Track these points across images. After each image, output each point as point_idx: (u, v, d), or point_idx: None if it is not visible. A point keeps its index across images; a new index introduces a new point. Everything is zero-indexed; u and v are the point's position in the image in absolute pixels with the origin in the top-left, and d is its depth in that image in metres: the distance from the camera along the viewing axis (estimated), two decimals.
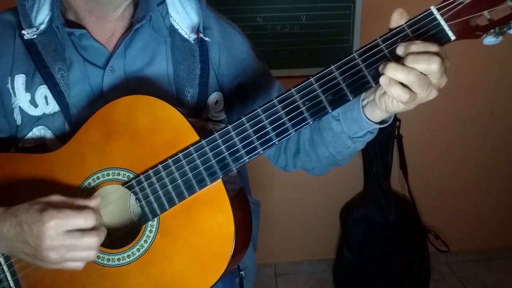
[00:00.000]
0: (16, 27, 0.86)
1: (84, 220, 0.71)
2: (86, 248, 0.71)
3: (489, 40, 0.64)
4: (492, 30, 0.63)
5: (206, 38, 0.89)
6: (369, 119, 0.75)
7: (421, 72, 0.63)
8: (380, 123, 0.76)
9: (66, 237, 0.70)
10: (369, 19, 2.02)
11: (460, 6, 0.63)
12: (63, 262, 0.72)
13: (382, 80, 0.65)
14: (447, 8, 0.64)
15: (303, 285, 2.39)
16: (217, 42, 0.91)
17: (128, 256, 0.78)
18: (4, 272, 0.83)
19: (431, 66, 0.62)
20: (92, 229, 0.72)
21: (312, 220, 2.37)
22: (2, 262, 0.82)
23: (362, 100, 0.75)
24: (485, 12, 0.63)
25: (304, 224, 2.38)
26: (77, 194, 0.80)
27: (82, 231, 0.71)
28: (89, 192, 0.80)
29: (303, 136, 0.89)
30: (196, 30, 0.88)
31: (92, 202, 0.75)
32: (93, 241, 0.71)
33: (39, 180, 0.82)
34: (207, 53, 0.89)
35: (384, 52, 0.67)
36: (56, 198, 0.73)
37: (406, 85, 0.64)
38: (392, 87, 0.64)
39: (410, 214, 2.28)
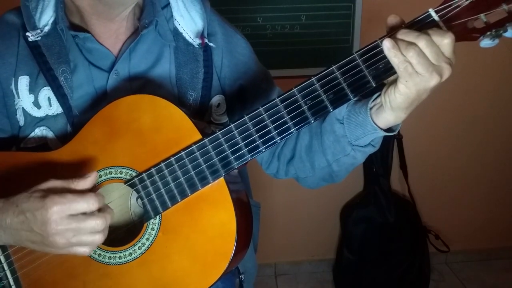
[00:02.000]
0: (20, 28, 0.86)
1: (87, 204, 0.71)
2: (92, 231, 0.71)
3: (486, 42, 0.65)
4: (488, 33, 0.64)
5: (211, 44, 0.90)
6: (375, 124, 0.74)
7: (420, 50, 0.64)
8: (387, 131, 0.75)
9: (70, 220, 0.70)
10: (369, 19, 2.02)
11: (458, 9, 0.64)
12: (70, 247, 0.72)
13: (386, 43, 0.65)
14: (445, 11, 0.65)
15: (303, 285, 2.39)
16: (221, 45, 0.91)
17: (130, 254, 0.78)
18: (4, 270, 0.82)
19: (419, 41, 0.63)
20: (99, 211, 0.72)
21: (312, 220, 2.38)
22: (2, 260, 0.82)
23: (371, 108, 0.75)
24: (482, 15, 0.64)
25: (304, 224, 2.38)
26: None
27: (87, 214, 0.71)
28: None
29: (300, 142, 0.88)
30: (201, 35, 0.89)
31: (88, 180, 0.74)
32: (98, 222, 0.71)
33: (41, 178, 0.81)
34: (211, 58, 0.90)
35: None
36: (53, 183, 0.73)
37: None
38: (394, 52, 0.65)
39: (410, 214, 2.28)
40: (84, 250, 0.73)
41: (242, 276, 0.97)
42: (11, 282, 0.82)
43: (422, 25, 0.66)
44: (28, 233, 0.72)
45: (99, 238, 0.72)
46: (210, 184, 0.75)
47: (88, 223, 0.70)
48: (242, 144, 0.74)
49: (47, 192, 0.71)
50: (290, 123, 0.72)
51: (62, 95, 0.84)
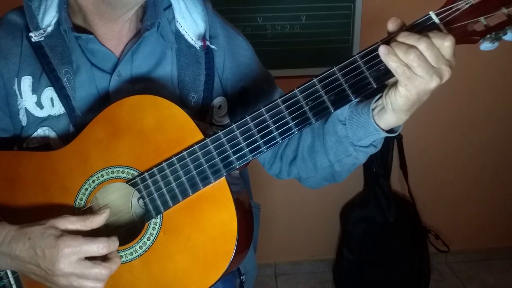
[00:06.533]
0: (23, 28, 0.86)
1: (97, 248, 0.73)
2: (95, 279, 0.73)
3: (486, 45, 0.66)
4: (488, 36, 0.65)
5: (213, 46, 0.90)
6: (377, 125, 0.74)
7: (420, 53, 0.64)
8: (389, 132, 0.75)
9: (77, 265, 0.71)
10: (369, 19, 2.02)
11: (458, 12, 0.65)
12: None
13: (381, 49, 0.66)
14: (445, 14, 0.66)
15: (303, 285, 2.39)
16: (222, 47, 0.92)
17: (131, 254, 0.79)
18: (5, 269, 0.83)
19: (420, 44, 0.64)
20: (106, 258, 0.74)
21: (312, 220, 2.38)
22: None
23: (373, 109, 0.75)
24: (482, 18, 0.64)
25: (304, 224, 2.38)
26: (80, 193, 0.81)
27: (94, 261, 0.73)
28: (89, 198, 0.81)
29: (303, 143, 0.89)
30: (203, 38, 0.89)
31: (102, 216, 0.77)
32: (102, 272, 0.73)
33: (44, 178, 0.83)
34: (212, 60, 0.90)
35: None
36: (68, 219, 0.75)
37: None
38: (390, 57, 0.65)
39: (410, 214, 2.28)
40: None
41: (243, 277, 0.98)
42: (12, 281, 0.83)
43: (423, 28, 0.67)
44: (35, 267, 0.73)
45: (100, 286, 0.74)
46: (211, 184, 0.76)
47: (93, 271, 0.72)
48: (243, 144, 0.74)
49: (61, 231, 0.73)
50: (291, 124, 0.73)
51: (65, 96, 0.84)
